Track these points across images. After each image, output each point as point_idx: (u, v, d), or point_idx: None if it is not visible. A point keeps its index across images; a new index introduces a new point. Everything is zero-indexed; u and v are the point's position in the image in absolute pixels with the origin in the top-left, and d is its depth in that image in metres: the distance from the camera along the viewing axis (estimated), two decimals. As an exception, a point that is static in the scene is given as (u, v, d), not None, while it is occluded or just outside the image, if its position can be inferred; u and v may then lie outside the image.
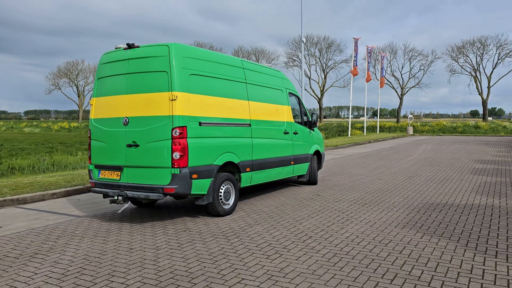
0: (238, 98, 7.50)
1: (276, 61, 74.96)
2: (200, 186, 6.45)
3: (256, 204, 8.05)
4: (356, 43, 33.95)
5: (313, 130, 10.24)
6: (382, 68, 41.09)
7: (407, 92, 66.67)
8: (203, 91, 6.65)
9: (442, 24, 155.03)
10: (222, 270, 4.50)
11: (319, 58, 69.28)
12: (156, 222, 6.74)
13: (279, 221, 6.64)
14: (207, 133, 6.63)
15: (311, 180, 10.19)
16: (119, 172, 6.63)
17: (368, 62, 36.61)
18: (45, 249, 5.38)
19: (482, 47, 60.52)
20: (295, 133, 9.31)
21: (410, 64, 66.21)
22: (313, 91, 70.74)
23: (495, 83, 62.15)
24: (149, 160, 6.29)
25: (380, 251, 5.06)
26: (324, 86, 70.35)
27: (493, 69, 60.71)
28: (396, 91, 66.88)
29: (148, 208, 7.86)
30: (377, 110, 51.76)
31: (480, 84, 61.81)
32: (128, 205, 8.02)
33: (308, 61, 70.09)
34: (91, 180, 7.04)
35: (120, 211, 7.63)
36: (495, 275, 4.22)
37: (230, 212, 7.11)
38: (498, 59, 59.79)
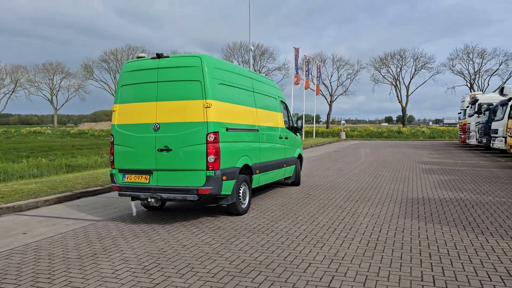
0: (249, 106, 8.16)
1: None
2: (228, 187, 6.99)
3: (260, 204, 8.69)
4: (297, 52, 35.71)
5: (296, 135, 11.11)
6: (318, 77, 43.43)
7: (335, 99, 70.76)
8: (227, 99, 7.21)
9: (358, 35, 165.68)
10: (285, 258, 5.13)
11: (254, 65, 70.89)
12: (182, 222, 7.13)
13: (296, 217, 7.37)
14: (232, 138, 7.20)
15: (296, 182, 11.05)
16: (148, 176, 6.94)
17: (307, 71, 38.59)
18: (99, 249, 5.60)
19: (401, 59, 66.26)
20: (286, 138, 10.11)
21: (338, 73, 70.33)
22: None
23: (412, 92, 68.21)
24: (183, 163, 6.70)
25: (402, 236, 6.01)
26: (258, 93, 72.03)
27: (411, 79, 66.77)
28: (325, 98, 70.62)
29: (159, 210, 8.14)
30: (309, 115, 54.22)
31: (400, 93, 67.52)
32: (135, 208, 8.27)
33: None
34: (114, 184, 7.23)
35: (134, 213, 7.86)
36: (491, 246, 5.34)
37: (246, 211, 7.70)
38: (415, 71, 65.89)
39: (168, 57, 7.01)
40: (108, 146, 29.12)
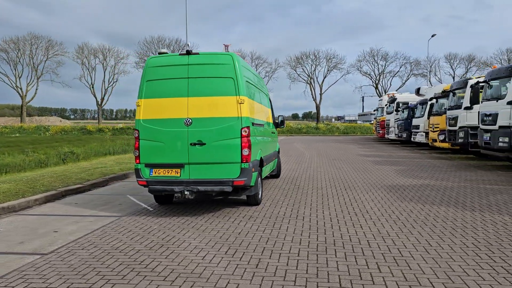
0: (261, 103, 8.67)
1: (126, 61, 72.68)
2: (254, 179, 7.44)
3: (263, 195, 9.21)
4: (226, 49, 36.19)
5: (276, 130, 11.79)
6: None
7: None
8: (251, 96, 7.66)
9: (266, 33, 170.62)
10: (337, 238, 5.81)
11: (172, 60, 69.73)
12: (209, 214, 7.40)
13: (309, 205, 8.06)
14: (256, 132, 7.66)
15: (277, 174, 11.74)
16: (179, 169, 7.10)
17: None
18: (160, 241, 5.75)
19: (315, 59, 70.14)
20: (273, 133, 10.74)
21: (257, 70, 72.04)
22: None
23: (325, 91, 72.61)
24: (217, 156, 7.00)
25: (417, 216, 7.03)
26: (177, 88, 71.02)
27: (324, 78, 70.96)
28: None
29: (171, 204, 8.26)
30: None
31: (314, 91, 71.44)
32: (143, 204, 8.32)
33: (160, 62, 69.79)
34: (140, 179, 7.25)
35: (149, 207, 7.91)
36: (483, 219, 6.61)
37: (260, 201, 8.20)
38: (328, 70, 70.24)
39: (198, 54, 7.23)
40: (25, 144, 26.91)
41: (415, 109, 24.91)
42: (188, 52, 7.21)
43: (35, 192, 9.29)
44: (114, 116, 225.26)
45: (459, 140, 16.60)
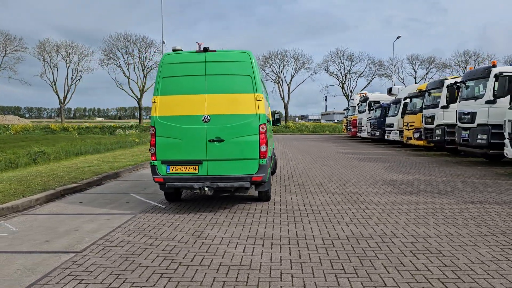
0: (266, 99, 8.82)
1: (90, 58, 70.63)
2: (268, 174, 7.59)
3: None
4: (199, 47, 36.01)
5: None
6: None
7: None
8: (263, 93, 7.80)
9: (230, 32, 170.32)
10: (362, 230, 6.07)
11: (139, 58, 68.51)
12: (224, 210, 7.49)
13: (318, 199, 8.30)
14: (269, 129, 7.81)
15: (274, 171, 11.92)
16: (197, 166, 7.15)
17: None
18: (191, 236, 5.80)
19: (283, 58, 70.91)
20: (272, 130, 10.93)
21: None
22: (132, 91, 69.46)
23: (293, 90, 73.58)
24: (236, 153, 7.10)
25: (425, 208, 7.42)
26: (144, 87, 69.85)
27: (292, 78, 71.90)
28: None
29: (180, 201, 8.27)
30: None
31: (282, 90, 72.23)
32: (153, 202, 8.30)
33: (126, 60, 68.50)
34: (157, 176, 7.23)
35: (160, 204, 7.90)
36: (484, 209, 7.10)
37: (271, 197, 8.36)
38: (296, 70, 71.21)
39: (215, 51, 7.29)
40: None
41: (388, 108, 25.80)
42: (205, 50, 7.26)
43: (34, 191, 9.03)
44: (72, 115, 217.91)
45: (436, 137, 17.40)
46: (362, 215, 6.89)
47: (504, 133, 11.89)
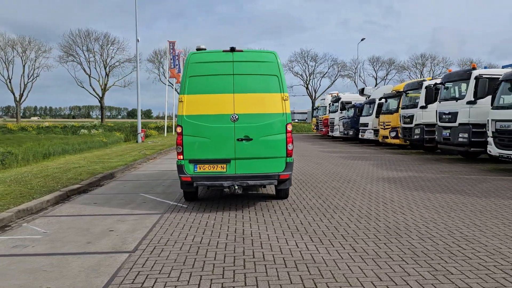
0: None
1: (48, 54, 67.84)
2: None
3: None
4: (173, 46, 35.59)
5: None
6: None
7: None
8: None
9: (190, 31, 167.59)
10: (396, 224, 6.39)
11: (101, 55, 66.53)
12: (247, 208, 7.59)
13: (334, 196, 8.57)
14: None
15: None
16: (225, 165, 7.21)
17: (177, 64, 38.67)
18: (237, 233, 5.88)
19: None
20: None
21: (190, 69, 71.34)
22: (94, 90, 67.41)
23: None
24: (263, 151, 7.21)
25: (438, 202, 7.86)
26: (106, 85, 67.93)
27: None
28: (177, 91, 70.85)
29: (198, 200, 8.29)
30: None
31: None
32: (171, 201, 8.26)
33: (87, 57, 66.38)
34: (184, 175, 7.23)
35: (181, 204, 7.89)
36: (493, 202, 7.67)
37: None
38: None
39: (242, 51, 7.37)
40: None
41: (362, 108, 26.64)
42: (233, 49, 7.32)
43: (40, 192, 8.75)
44: (22, 115, 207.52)
45: (415, 136, 18.22)
46: (386, 211, 7.21)
47: (488, 132, 12.69)
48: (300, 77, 73.46)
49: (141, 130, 27.89)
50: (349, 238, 5.60)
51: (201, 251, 5.16)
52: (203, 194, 8.91)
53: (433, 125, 17.11)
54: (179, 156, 7.26)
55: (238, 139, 7.18)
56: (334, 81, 72.32)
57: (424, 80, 18.54)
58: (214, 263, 4.72)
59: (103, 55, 66.67)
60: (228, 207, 7.63)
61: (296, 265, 4.62)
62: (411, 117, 18.62)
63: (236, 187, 7.12)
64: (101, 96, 68.06)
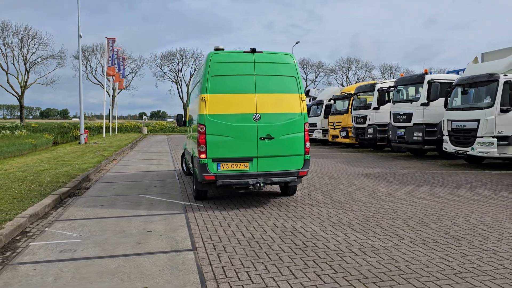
0: None
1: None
2: None
3: (273, 187, 9.84)
4: (112, 43, 34.19)
5: None
6: (123, 70, 42.26)
7: (119, 93, 68.87)
8: None
9: (110, 27, 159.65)
10: (424, 213, 7.05)
11: (20, 50, 61.51)
12: (265, 205, 7.83)
13: (334, 191, 9.09)
14: None
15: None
16: (248, 163, 7.38)
17: (116, 63, 37.26)
18: (278, 228, 6.12)
19: (182, 58, 70.40)
20: None
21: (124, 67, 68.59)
22: (12, 88, 62.14)
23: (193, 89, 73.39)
24: (284, 149, 7.49)
25: (429, 193, 8.72)
26: (26, 83, 62.96)
27: (191, 77, 71.76)
28: (107, 92, 67.78)
29: (211, 200, 8.35)
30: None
31: (181, 90, 71.63)
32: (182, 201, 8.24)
33: (4, 52, 61.02)
34: (208, 174, 7.26)
35: (195, 203, 7.91)
36: (485, 192, 8.74)
37: (294, 191, 8.89)
38: (195, 70, 71.25)
39: (262, 52, 7.58)
40: None
41: (309, 109, 27.78)
42: (253, 50, 7.51)
43: (33, 196, 8.22)
44: None
45: (368, 135, 19.52)
46: (393, 203, 7.87)
47: (443, 131, 14.09)
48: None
49: (84, 131, 26.49)
50: (387, 228, 6.10)
51: (263, 245, 5.33)
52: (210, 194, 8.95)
53: (385, 125, 18.50)
54: (201, 155, 7.29)
55: (260, 138, 7.39)
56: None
57: (376, 83, 19.91)
58: (279, 254, 4.94)
59: (22, 50, 61.70)
60: (246, 205, 7.80)
61: (364, 253, 4.99)
62: (364, 118, 19.90)
63: (261, 185, 7.32)
64: (20, 94, 62.91)
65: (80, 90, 25.95)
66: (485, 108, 12.39)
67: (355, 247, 5.20)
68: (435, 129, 15.70)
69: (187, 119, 10.89)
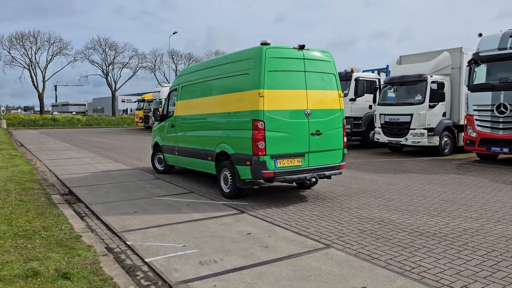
0: None
1: None
2: None
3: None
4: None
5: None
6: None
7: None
8: None
9: None
10: (469, 199, 8.15)
11: None
12: (294, 199, 8.08)
13: (352, 183, 9.76)
14: None
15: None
16: (300, 158, 7.51)
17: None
18: (381, 220, 6.52)
19: (35, 41, 62.15)
20: None
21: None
22: None
23: (49, 78, 65.58)
24: (329, 144, 7.81)
25: (443, 190, 10.05)
26: None
27: (47, 64, 63.97)
28: None
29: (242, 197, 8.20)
30: None
31: (36, 78, 63.32)
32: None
33: None
34: (266, 171, 7.15)
35: (242, 202, 7.72)
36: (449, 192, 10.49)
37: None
38: (52, 56, 63.70)
39: (308, 49, 7.71)
40: None
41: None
42: (302, 47, 7.61)
43: (45, 204, 6.94)
44: None
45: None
46: (413, 190, 8.89)
47: (375, 123, 15.95)
48: (99, 66, 68.38)
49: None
50: (442, 213, 6.99)
51: (389, 235, 5.66)
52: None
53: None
54: (261, 152, 7.13)
55: (311, 134, 7.58)
56: (135, 72, 70.40)
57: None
58: (395, 247, 5.39)
59: None
60: (278, 202, 7.88)
61: (444, 233, 5.75)
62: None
63: (317, 179, 7.55)
64: None
65: None
66: (417, 104, 14.49)
67: (484, 234, 5.92)
68: (360, 122, 17.62)
69: (167, 114, 10.59)
